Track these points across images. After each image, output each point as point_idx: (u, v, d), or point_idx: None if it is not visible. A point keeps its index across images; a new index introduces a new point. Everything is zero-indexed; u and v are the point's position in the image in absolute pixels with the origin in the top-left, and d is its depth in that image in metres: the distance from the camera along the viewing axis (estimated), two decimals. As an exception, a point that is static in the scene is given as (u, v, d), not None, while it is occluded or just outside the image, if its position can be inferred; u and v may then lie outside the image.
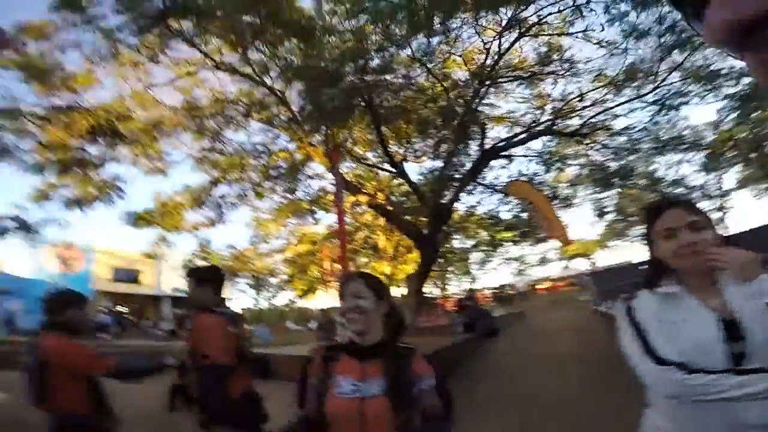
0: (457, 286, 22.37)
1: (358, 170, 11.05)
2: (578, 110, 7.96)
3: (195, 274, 2.37)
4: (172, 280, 20.31)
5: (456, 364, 6.94)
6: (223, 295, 2.39)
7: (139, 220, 8.69)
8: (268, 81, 7.13)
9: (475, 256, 17.08)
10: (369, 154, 9.97)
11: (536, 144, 9.15)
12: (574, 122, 8.28)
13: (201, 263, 13.22)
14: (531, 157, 9.25)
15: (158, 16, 5.14)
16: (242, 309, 29.47)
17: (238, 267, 14.24)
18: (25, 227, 5.82)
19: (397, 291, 16.86)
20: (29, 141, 5.83)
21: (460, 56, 6.94)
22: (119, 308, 22.91)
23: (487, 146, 8.14)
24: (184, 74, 6.94)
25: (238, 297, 28.50)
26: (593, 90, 7.59)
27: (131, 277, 25.03)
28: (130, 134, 6.79)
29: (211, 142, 8.16)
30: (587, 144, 8.68)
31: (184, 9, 5.14)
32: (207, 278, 2.33)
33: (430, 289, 18.56)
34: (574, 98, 7.74)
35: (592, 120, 8.00)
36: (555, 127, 8.21)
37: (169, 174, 8.51)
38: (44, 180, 6.26)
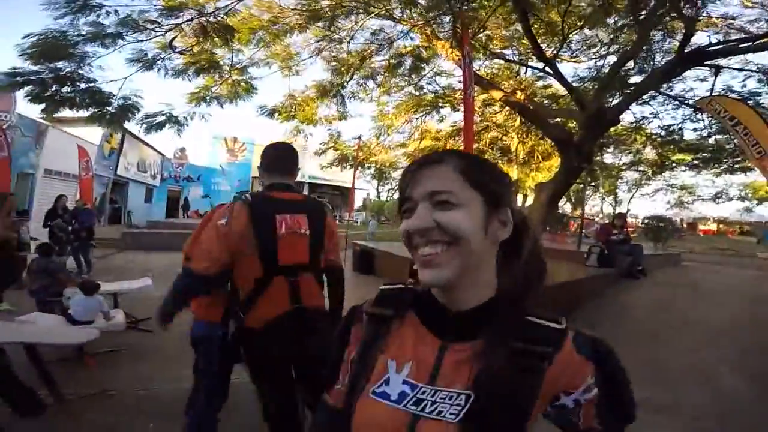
0: (592, 207, 19.61)
1: (493, 68, 9.37)
2: None
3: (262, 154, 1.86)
4: (308, 168, 22.92)
5: (576, 307, 5.64)
6: (286, 177, 1.79)
7: (273, 113, 9.34)
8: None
9: (627, 176, 14.21)
10: (507, 52, 8.15)
11: (760, 57, 6.21)
12: None
13: (331, 153, 14.09)
14: (752, 72, 6.27)
15: None
16: (364, 199, 32.17)
17: (363, 157, 14.75)
18: (174, 120, 6.77)
19: (521, 202, 15.72)
20: (169, 52, 6.30)
21: None
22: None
23: (688, 49, 5.66)
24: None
25: (364, 188, 30.90)
26: None
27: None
28: (252, 33, 6.74)
29: (332, 38, 7.67)
30: None
31: None
32: (262, 156, 1.81)
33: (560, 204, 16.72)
34: None
35: None
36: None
37: (302, 74, 8.47)
38: (189, 82, 6.96)
